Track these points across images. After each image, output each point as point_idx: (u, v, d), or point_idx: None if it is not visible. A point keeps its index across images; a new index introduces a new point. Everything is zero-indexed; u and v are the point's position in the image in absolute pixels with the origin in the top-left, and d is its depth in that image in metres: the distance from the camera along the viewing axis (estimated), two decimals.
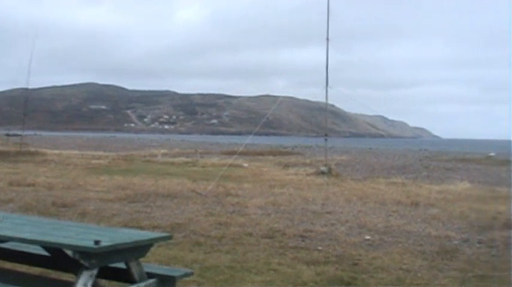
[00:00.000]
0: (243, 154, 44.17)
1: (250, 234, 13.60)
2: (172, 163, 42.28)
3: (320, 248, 12.25)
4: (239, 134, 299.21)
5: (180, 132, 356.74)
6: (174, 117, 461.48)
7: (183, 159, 47.66)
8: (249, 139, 37.45)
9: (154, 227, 14.02)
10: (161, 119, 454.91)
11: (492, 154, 74.27)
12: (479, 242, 13.40)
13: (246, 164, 40.10)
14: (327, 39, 25.46)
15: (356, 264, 10.82)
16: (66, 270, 7.43)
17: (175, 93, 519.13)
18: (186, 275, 7.67)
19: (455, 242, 13.42)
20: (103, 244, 6.02)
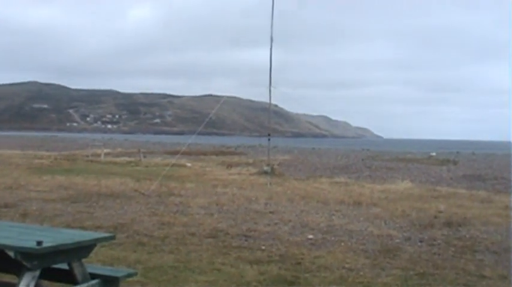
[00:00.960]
0: (186, 153, 44.14)
1: (194, 234, 13.57)
2: (115, 163, 41.99)
3: (263, 247, 12.27)
4: (182, 133, 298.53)
5: (123, 132, 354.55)
6: (117, 116, 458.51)
7: (126, 159, 47.33)
8: (192, 139, 37.40)
9: (97, 228, 13.90)
10: (104, 119, 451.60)
11: (433, 154, 75.49)
12: (420, 241, 13.56)
13: (189, 164, 40.01)
14: (271, 39, 25.47)
15: (299, 263, 10.86)
16: (7, 271, 7.31)
17: (118, 93, 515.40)
18: (130, 275, 7.63)
19: (397, 240, 13.56)
20: (45, 244, 5.96)
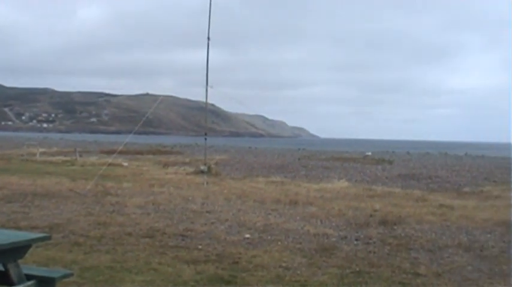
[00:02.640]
0: (122, 153, 43.73)
1: (130, 234, 13.49)
2: (51, 162, 41.52)
3: (200, 247, 12.26)
4: (118, 133, 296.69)
5: (59, 131, 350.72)
6: (53, 115, 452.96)
7: (62, 158, 46.84)
8: (128, 138, 37.18)
9: (32, 228, 13.72)
10: (40, 118, 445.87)
11: (369, 153, 76.22)
12: (356, 239, 13.69)
13: (125, 163, 39.76)
14: (208, 38, 25.44)
15: (236, 262, 10.87)
16: None
17: (54, 91, 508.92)
18: (66, 276, 7.55)
19: (334, 239, 13.67)
20: None
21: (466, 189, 28.13)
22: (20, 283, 6.69)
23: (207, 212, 17.35)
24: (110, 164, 31.52)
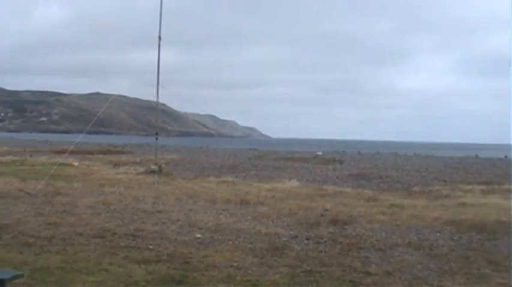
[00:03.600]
0: (73, 152, 43.28)
1: (81, 234, 13.40)
2: (0, 162, 40.97)
3: (151, 247, 12.22)
4: (69, 132, 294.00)
5: (9, 130, 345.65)
6: (2, 114, 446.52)
7: (11, 157, 46.26)
8: (79, 138, 36.82)
9: None
10: None
11: (319, 153, 76.52)
12: (307, 239, 13.75)
13: (76, 163, 39.41)
14: (159, 38, 25.33)
15: (187, 262, 10.85)
16: None
17: (3, 90, 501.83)
18: (16, 277, 7.48)
19: (285, 239, 13.71)
20: None
21: (416, 188, 28.37)
22: None
23: (158, 212, 17.30)
24: (60, 164, 31.19)
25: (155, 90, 26.43)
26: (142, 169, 34.20)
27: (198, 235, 13.72)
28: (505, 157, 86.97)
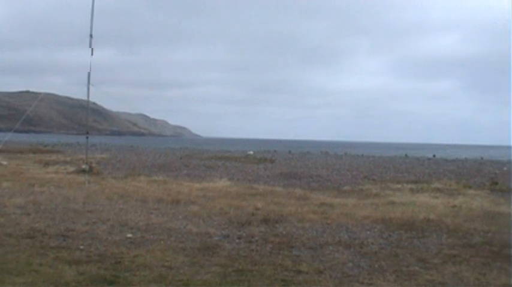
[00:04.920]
0: (1, 151, 42.60)
1: (10, 234, 13.19)
2: None
3: (82, 247, 12.10)
4: None
5: None
6: None
7: None
8: (8, 136, 36.23)
9: None
10: None
11: (251, 152, 76.60)
12: (238, 238, 13.78)
13: (5, 162, 38.82)
14: (90, 36, 25.06)
15: (118, 262, 10.78)
16: None
17: None
18: None
19: (216, 238, 13.72)
20: None
21: (346, 187, 28.65)
22: None
23: (88, 211, 17.13)
24: None
25: (85, 88, 26.15)
26: (72, 168, 33.89)
27: (129, 235, 13.64)
28: (434, 156, 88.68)
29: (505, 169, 52.86)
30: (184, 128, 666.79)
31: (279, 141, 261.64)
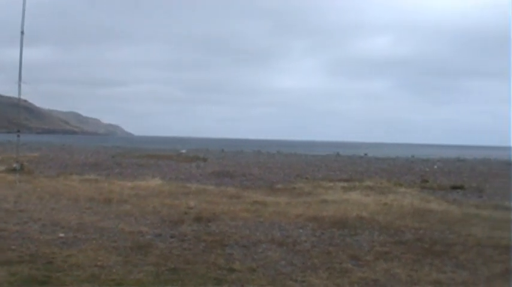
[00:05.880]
0: None
1: None
2: None
3: (13, 247, 11.94)
4: None
5: None
6: None
7: None
8: None
9: None
10: None
11: (183, 151, 76.53)
12: (171, 237, 13.76)
13: None
14: (22, 32, 24.73)
15: (51, 262, 10.68)
16: None
17: None
18: None
19: (149, 237, 13.68)
20: None
21: (279, 186, 28.80)
22: None
23: (19, 211, 16.91)
24: None
25: (16, 86, 25.82)
26: (3, 167, 33.35)
27: (61, 235, 13.52)
28: (365, 154, 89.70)
29: (435, 167, 53.83)
30: (116, 127, 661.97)
31: (213, 140, 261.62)
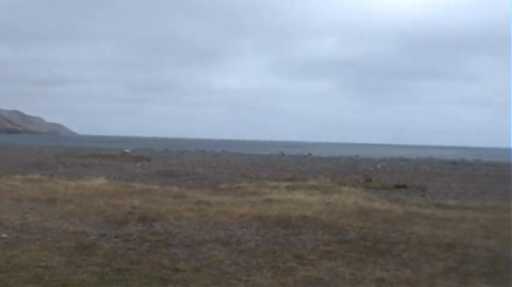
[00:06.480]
0: None
1: None
2: None
3: None
4: None
5: None
6: None
7: None
8: None
9: None
10: None
11: (128, 150, 76.22)
12: (116, 237, 13.71)
13: None
14: None
15: None
16: None
17: None
18: None
19: (93, 237, 13.61)
20: None
21: (223, 185, 28.84)
22: None
23: None
24: None
25: None
26: None
27: (4, 235, 13.39)
28: (309, 154, 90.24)
29: (378, 166, 54.44)
30: (60, 126, 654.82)
31: (158, 139, 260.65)
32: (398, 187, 30.76)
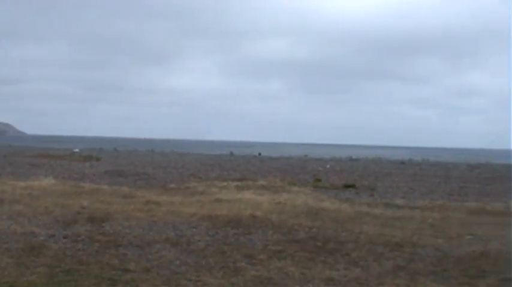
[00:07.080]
0: None
1: None
2: None
3: None
4: None
5: None
6: None
7: None
8: None
9: None
10: None
11: (76, 150, 75.66)
12: (64, 237, 13.62)
13: None
14: None
15: None
16: None
17: None
18: None
19: (41, 238, 13.50)
20: None
21: (173, 185, 28.82)
22: None
23: None
24: None
25: None
26: None
27: None
28: (259, 154, 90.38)
29: (327, 166, 54.79)
30: (8, 125, 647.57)
31: (107, 139, 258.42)
32: (347, 186, 31.04)
